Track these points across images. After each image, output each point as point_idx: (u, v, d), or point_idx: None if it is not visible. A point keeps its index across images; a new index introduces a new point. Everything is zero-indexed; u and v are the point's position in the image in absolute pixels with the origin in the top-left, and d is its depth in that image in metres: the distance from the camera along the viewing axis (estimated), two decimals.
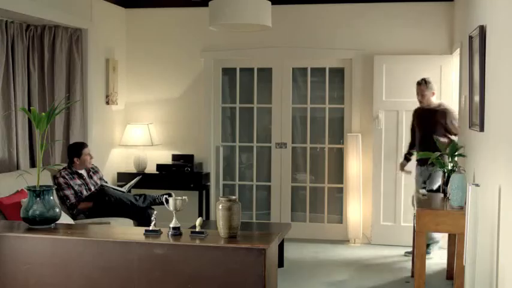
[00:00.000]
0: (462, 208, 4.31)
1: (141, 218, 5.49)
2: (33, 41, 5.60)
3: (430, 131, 5.86)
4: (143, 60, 7.13)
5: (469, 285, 3.54)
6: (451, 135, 5.92)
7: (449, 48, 6.47)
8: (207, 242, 3.23)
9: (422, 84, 5.99)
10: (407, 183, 6.54)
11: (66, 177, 5.47)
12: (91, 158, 5.68)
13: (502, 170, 3.26)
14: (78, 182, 5.54)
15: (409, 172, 6.21)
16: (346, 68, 6.82)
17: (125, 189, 5.79)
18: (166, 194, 5.23)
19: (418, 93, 5.98)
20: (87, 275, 3.33)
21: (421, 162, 6.04)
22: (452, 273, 4.93)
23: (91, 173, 5.72)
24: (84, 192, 5.52)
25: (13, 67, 5.31)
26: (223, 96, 7.16)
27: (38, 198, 3.52)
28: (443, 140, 5.72)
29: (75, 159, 5.58)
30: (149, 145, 6.83)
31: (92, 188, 5.59)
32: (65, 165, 5.61)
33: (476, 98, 4.13)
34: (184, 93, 7.07)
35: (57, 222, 3.65)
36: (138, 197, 5.66)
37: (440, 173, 5.59)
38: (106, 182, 5.85)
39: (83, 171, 5.63)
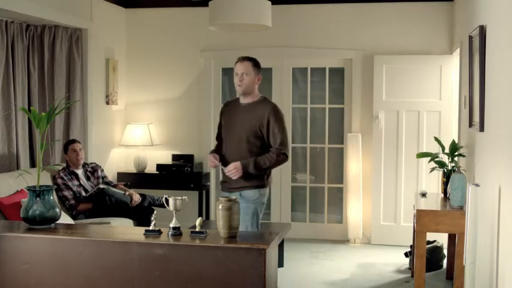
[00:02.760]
0: (462, 208, 4.31)
1: (141, 218, 5.48)
2: (33, 41, 5.60)
3: (246, 135, 4.16)
4: (143, 60, 7.13)
5: (469, 285, 3.54)
6: (271, 147, 4.14)
7: (449, 48, 6.47)
8: (207, 242, 3.23)
9: (246, 61, 4.17)
10: (408, 183, 6.54)
11: (65, 178, 5.46)
12: (78, 154, 5.53)
13: (502, 170, 3.26)
14: (77, 182, 5.53)
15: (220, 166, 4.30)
16: (346, 68, 6.82)
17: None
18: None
19: (237, 74, 4.17)
20: (87, 275, 3.33)
21: (222, 184, 4.27)
22: (452, 273, 4.93)
23: (88, 173, 5.69)
24: (83, 193, 5.51)
25: (13, 67, 5.31)
26: (223, 96, 7.15)
27: (38, 198, 3.52)
28: (270, 157, 4.09)
29: (65, 156, 5.58)
30: (149, 145, 6.83)
31: (89, 189, 5.56)
32: (64, 165, 5.60)
33: (476, 98, 4.13)
34: (184, 93, 7.07)
35: (57, 222, 3.65)
36: None
37: (253, 207, 4.10)
38: (107, 182, 5.81)
39: (79, 172, 5.61)
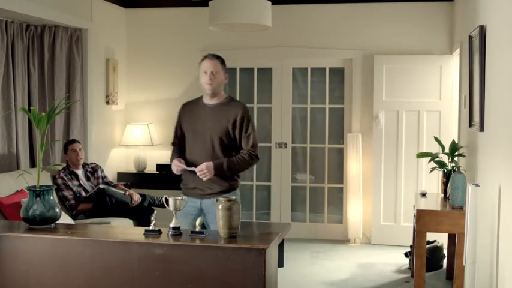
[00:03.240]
0: (462, 208, 4.32)
1: (141, 218, 5.48)
2: (33, 41, 5.60)
3: (219, 137, 3.90)
4: (143, 60, 7.13)
5: (469, 285, 3.54)
6: (242, 148, 3.92)
7: (449, 48, 6.47)
8: (207, 242, 3.22)
9: (215, 59, 3.92)
10: (408, 183, 6.54)
11: (65, 178, 5.46)
12: (78, 154, 5.53)
13: (502, 170, 3.26)
14: (77, 182, 5.53)
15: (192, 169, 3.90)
16: (346, 68, 6.82)
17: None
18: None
19: (205, 72, 3.89)
20: (87, 275, 3.33)
21: (191, 190, 3.96)
22: (452, 273, 4.93)
23: (88, 173, 5.69)
24: (83, 193, 5.51)
25: (13, 67, 5.31)
26: None
27: (38, 198, 3.52)
28: (241, 157, 3.88)
29: (65, 156, 5.59)
30: (149, 145, 6.83)
31: (89, 190, 5.56)
32: (64, 165, 5.60)
33: (476, 98, 4.13)
34: (184, 93, 7.06)
35: (57, 222, 3.65)
36: None
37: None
38: (107, 182, 5.81)
39: (79, 172, 5.61)
